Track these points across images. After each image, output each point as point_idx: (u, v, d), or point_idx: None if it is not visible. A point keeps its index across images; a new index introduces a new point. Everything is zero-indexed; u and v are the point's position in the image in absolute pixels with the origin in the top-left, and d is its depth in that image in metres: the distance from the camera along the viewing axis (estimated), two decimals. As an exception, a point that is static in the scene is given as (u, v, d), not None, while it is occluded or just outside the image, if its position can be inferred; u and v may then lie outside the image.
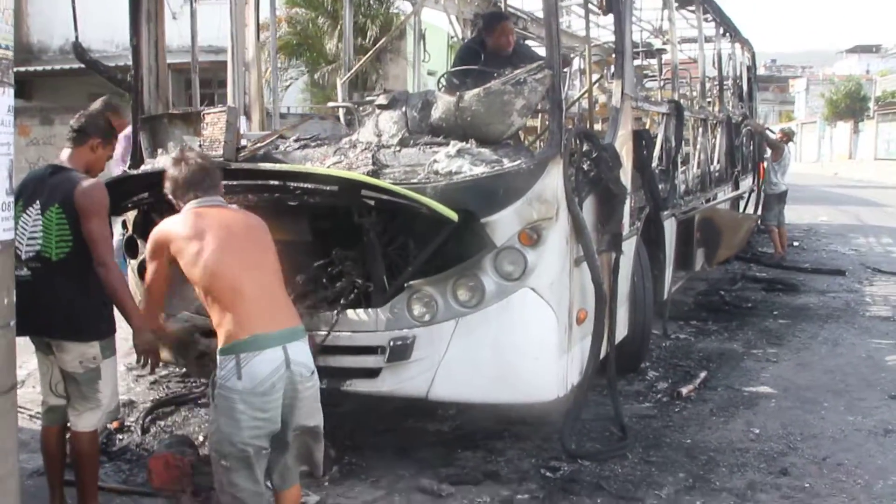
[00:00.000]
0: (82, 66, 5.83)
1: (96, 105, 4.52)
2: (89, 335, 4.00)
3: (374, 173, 4.52)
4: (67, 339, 3.97)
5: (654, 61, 13.05)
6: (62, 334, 3.98)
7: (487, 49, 6.36)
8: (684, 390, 6.10)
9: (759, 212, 12.90)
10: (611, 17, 5.97)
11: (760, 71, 57.29)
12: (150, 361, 4.10)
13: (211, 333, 3.71)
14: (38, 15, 21.65)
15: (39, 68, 19.49)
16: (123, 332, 7.12)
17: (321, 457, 3.73)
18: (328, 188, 4.39)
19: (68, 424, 4.20)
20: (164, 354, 5.26)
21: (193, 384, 6.32)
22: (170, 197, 3.78)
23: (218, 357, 3.42)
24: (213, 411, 3.51)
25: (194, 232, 3.51)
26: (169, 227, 3.62)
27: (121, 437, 5.38)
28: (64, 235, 3.89)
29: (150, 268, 3.66)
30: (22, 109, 18.92)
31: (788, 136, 13.32)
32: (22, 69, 19.22)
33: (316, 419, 3.60)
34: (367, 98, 6.60)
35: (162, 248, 3.58)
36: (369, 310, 4.56)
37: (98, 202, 3.92)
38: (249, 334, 3.35)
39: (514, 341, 4.43)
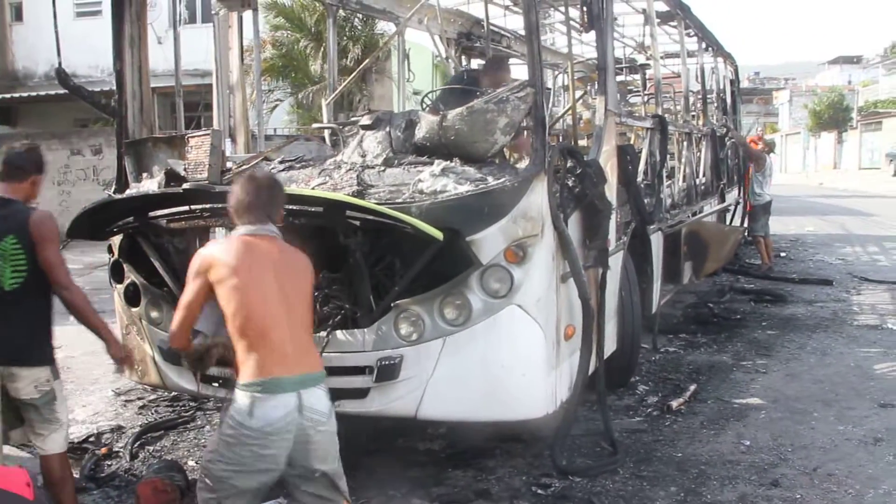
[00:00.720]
0: (67, 91, 5.85)
1: (24, 143, 4.45)
2: (40, 360, 4.12)
3: (359, 193, 4.53)
4: (20, 366, 4.04)
5: (637, 77, 13.12)
6: (15, 361, 4.03)
7: (481, 85, 6.36)
8: (674, 404, 6.11)
9: (745, 223, 12.96)
10: (593, 34, 6.01)
11: (744, 83, 57.68)
12: (126, 369, 4.24)
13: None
14: (23, 42, 21.73)
15: (24, 94, 19.47)
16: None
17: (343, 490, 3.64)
18: (313, 209, 4.39)
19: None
20: (153, 377, 5.26)
21: (182, 408, 6.29)
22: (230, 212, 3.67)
23: (236, 390, 3.41)
24: (219, 434, 3.51)
25: (237, 264, 3.42)
26: (213, 254, 3.53)
27: (109, 462, 5.35)
28: (19, 265, 3.96)
29: (189, 288, 3.55)
30: (7, 136, 18.89)
31: (770, 146, 13.42)
32: (7, 96, 19.26)
33: (329, 464, 3.51)
34: (352, 119, 6.62)
35: (203, 271, 3.49)
36: (357, 330, 4.56)
37: (53, 230, 4.05)
38: (268, 376, 3.34)
39: (501, 358, 4.42)
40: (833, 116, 49.68)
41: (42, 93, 18.24)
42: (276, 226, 3.59)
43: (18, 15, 22.10)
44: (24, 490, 2.25)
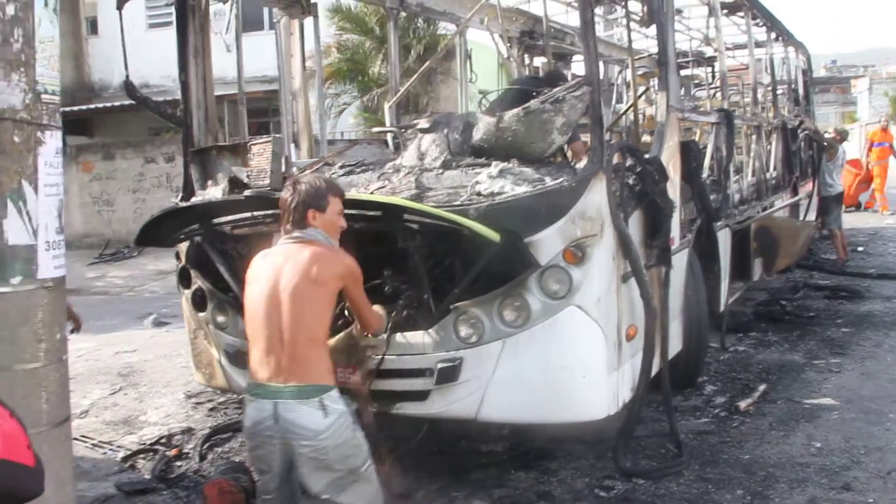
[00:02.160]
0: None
1: None
2: None
3: (417, 197, 4.56)
4: None
5: (702, 70, 12.88)
6: None
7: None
8: (742, 404, 5.98)
9: (818, 216, 12.59)
10: (654, 28, 5.93)
11: (821, 73, 56.17)
12: None
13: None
14: (99, 55, 22.45)
15: (101, 105, 20.09)
16: (183, 360, 7.31)
17: None
18: (372, 213, 4.43)
19: None
20: (219, 380, 5.38)
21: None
22: None
23: None
24: None
25: (252, 275, 3.61)
26: (249, 268, 3.70)
27: (179, 464, 5.49)
28: None
29: None
30: (85, 146, 19.54)
31: (842, 135, 13.04)
32: (84, 107, 19.89)
33: (320, 486, 3.43)
34: (412, 122, 6.66)
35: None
36: (416, 333, 4.58)
37: None
38: (252, 380, 3.51)
39: (561, 360, 4.40)
40: (915, 104, 47.88)
41: (117, 103, 18.78)
42: (311, 229, 3.57)
43: (94, 28, 22.84)
44: (25, 455, 2.13)
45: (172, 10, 5.70)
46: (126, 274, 15.37)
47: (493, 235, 4.16)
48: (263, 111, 17.72)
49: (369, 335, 4.26)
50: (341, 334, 4.41)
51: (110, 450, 5.78)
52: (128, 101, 17.14)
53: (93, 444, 5.85)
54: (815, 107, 16.03)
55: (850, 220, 15.04)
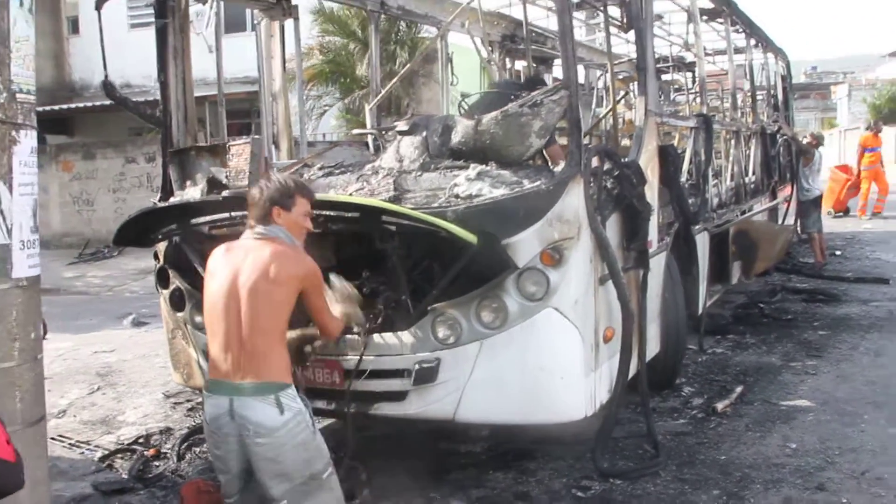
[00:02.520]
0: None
1: None
2: None
3: (396, 199, 4.57)
4: None
5: (681, 75, 12.96)
6: None
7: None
8: (720, 406, 6.03)
9: (796, 220, 12.71)
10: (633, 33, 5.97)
11: (800, 79, 56.52)
12: None
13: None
14: (79, 54, 22.30)
15: (81, 105, 19.97)
16: (162, 360, 7.29)
17: None
18: (350, 215, 4.45)
19: None
20: (198, 380, 5.37)
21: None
22: None
23: None
24: None
25: (212, 269, 3.62)
26: (208, 260, 3.70)
27: (157, 463, 5.48)
28: None
29: None
30: (65, 146, 19.42)
31: (818, 140, 13.16)
32: (65, 106, 19.76)
33: (279, 492, 3.42)
34: (391, 124, 6.68)
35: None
36: (394, 333, 4.59)
37: None
38: (210, 376, 3.53)
39: (539, 361, 4.42)
40: (894, 110, 48.33)
41: (98, 103, 18.67)
42: (274, 226, 3.58)
43: (75, 28, 22.69)
44: (4, 450, 2.11)
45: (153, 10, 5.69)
46: (105, 274, 15.28)
47: (471, 237, 4.18)
48: (246, 112, 17.65)
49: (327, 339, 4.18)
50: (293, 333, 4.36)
51: (88, 450, 5.76)
52: (109, 101, 17.13)
53: (70, 444, 5.83)
54: (794, 112, 16.17)
55: (829, 225, 15.15)
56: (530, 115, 4.53)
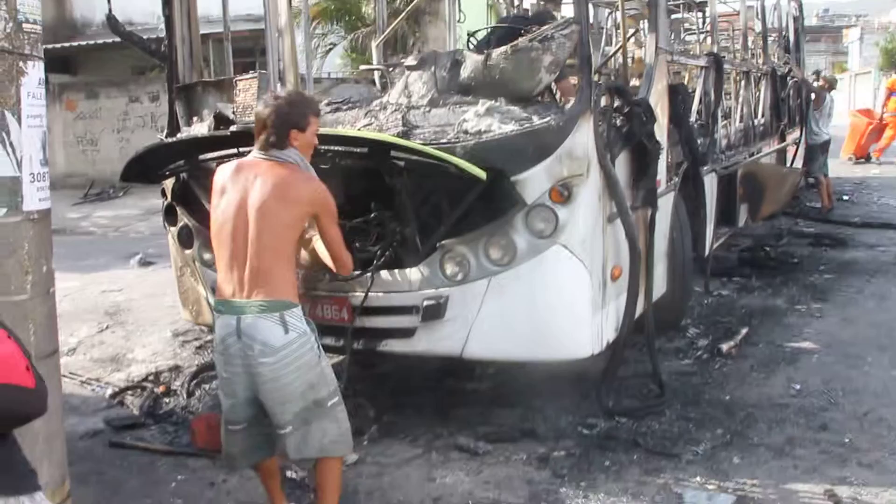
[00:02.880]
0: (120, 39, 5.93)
1: None
2: None
3: (404, 134, 4.53)
4: None
5: (693, 14, 12.74)
6: None
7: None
8: (725, 347, 6.06)
9: (804, 164, 12.61)
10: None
11: (812, 21, 55.66)
12: None
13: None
14: (81, -10, 21.93)
15: (83, 43, 19.72)
16: (170, 299, 7.32)
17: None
18: (358, 150, 4.42)
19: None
20: (206, 317, 5.39)
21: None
22: None
23: None
24: None
25: (220, 187, 3.55)
26: (215, 177, 3.65)
27: (167, 400, 5.54)
28: None
29: None
30: (68, 84, 19.24)
31: (830, 83, 12.98)
32: (66, 44, 19.52)
33: (284, 418, 3.44)
34: (399, 60, 6.59)
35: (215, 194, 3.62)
36: (403, 270, 4.60)
37: None
38: (219, 297, 3.49)
39: (546, 299, 4.43)
40: (908, 55, 47.61)
41: (100, 41, 18.46)
42: (291, 150, 3.51)
43: (76, -38, 22.31)
44: (23, 377, 2.10)
45: (157, -58, 5.59)
46: (112, 214, 15.28)
47: (480, 173, 4.16)
48: (249, 51, 17.40)
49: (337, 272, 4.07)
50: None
51: (98, 387, 5.82)
52: (111, 39, 16.91)
53: (81, 382, 5.88)
54: (805, 55, 15.94)
55: (837, 170, 15.06)
56: (540, 50, 4.46)
